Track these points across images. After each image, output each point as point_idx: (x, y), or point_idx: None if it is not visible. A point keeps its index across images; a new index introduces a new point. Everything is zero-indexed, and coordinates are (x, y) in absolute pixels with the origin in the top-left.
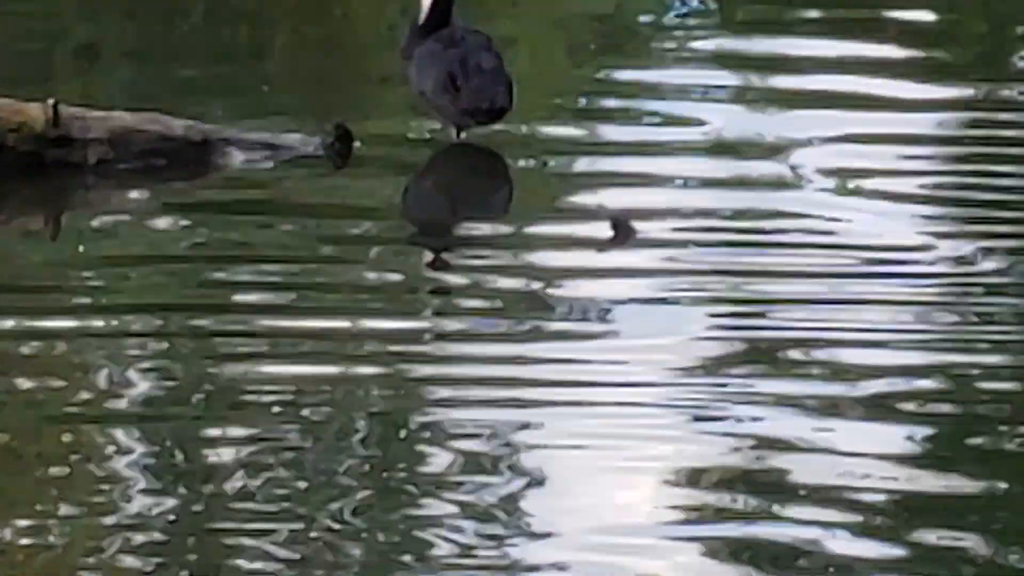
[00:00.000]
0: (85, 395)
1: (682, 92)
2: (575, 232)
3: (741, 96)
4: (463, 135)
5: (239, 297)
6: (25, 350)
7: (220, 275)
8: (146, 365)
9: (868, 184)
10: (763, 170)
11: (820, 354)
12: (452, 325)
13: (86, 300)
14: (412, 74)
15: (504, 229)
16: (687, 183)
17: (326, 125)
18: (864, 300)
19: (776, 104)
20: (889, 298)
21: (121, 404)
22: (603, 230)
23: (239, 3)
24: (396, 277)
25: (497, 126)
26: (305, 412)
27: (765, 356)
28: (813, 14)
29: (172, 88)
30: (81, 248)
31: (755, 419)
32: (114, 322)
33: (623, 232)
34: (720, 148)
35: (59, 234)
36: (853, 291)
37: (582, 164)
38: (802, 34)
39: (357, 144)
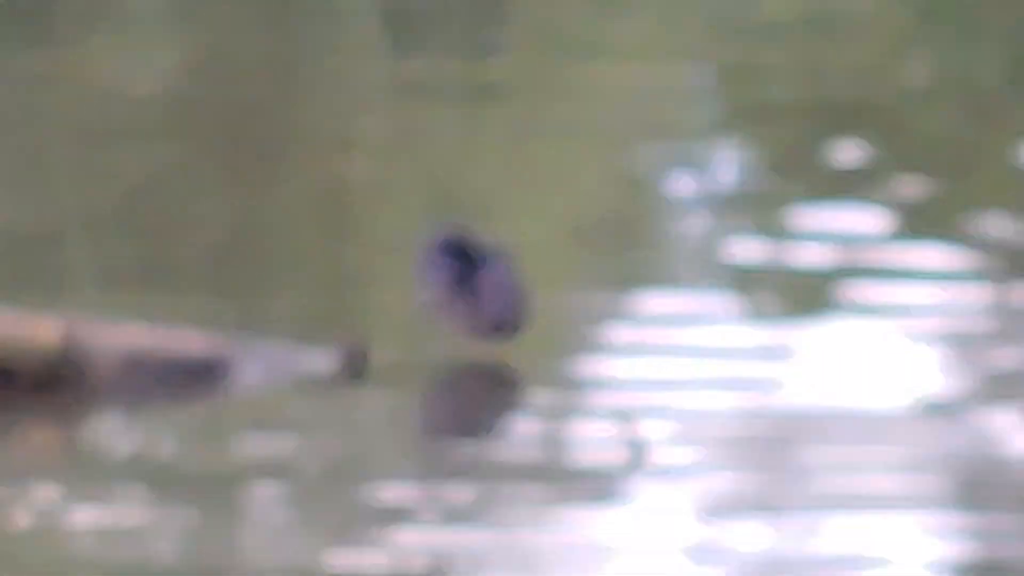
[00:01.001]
0: None
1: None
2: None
3: (763, 306)
4: (479, 350)
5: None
6: None
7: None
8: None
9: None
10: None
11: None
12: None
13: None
14: (427, 290)
15: (515, 445)
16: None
17: (341, 343)
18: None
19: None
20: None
21: None
22: (618, 454)
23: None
24: (404, 491)
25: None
26: None
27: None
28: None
29: (184, 308)
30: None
31: None
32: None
33: (636, 454)
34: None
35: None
36: None
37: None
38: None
39: (371, 362)
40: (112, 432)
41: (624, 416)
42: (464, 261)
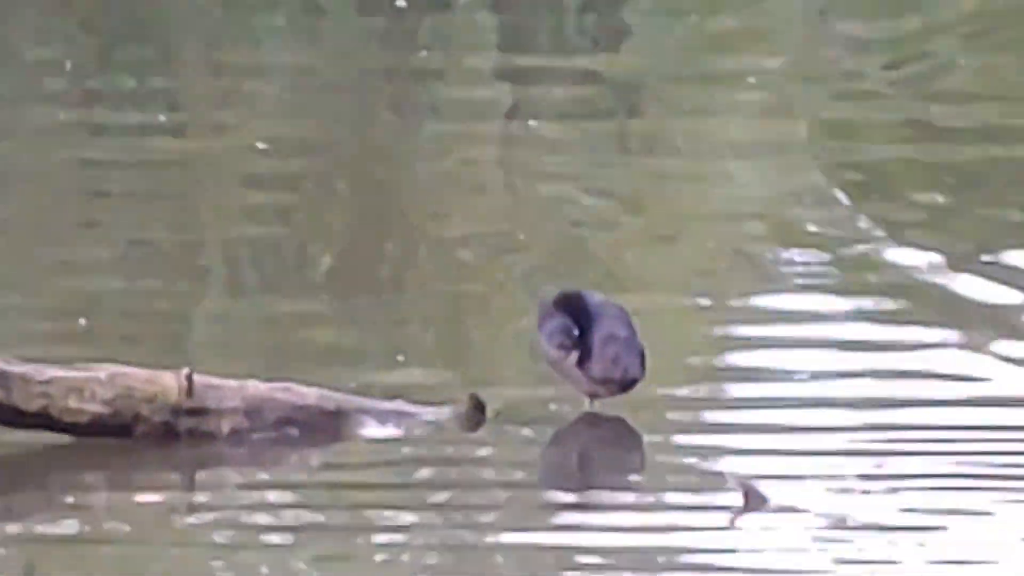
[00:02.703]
0: None
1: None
2: (708, 502)
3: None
4: (596, 404)
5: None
6: None
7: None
8: None
9: None
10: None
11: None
12: None
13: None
14: (543, 345)
15: (633, 494)
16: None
17: (459, 395)
18: None
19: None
20: None
21: None
22: (733, 499)
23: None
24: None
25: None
26: None
27: None
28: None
29: (304, 351)
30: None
31: None
32: None
33: (754, 500)
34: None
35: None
36: None
37: (709, 418)
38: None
39: (490, 413)
40: (233, 480)
41: (739, 476)
42: (578, 318)
